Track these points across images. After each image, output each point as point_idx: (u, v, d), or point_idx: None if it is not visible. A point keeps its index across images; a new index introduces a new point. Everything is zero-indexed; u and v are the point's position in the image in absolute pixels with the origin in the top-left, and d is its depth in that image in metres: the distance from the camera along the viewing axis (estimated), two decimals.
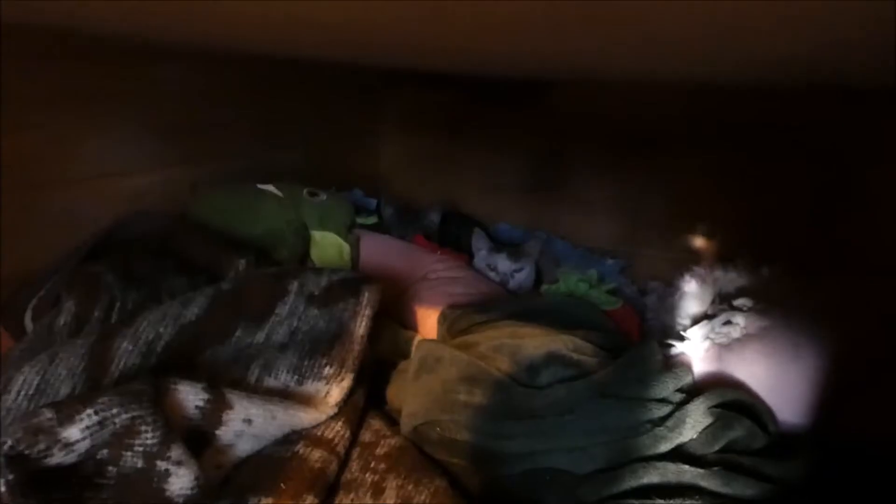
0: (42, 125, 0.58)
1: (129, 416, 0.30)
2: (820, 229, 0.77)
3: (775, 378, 0.57)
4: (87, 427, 0.29)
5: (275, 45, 0.51)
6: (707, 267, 0.82)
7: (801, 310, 0.65)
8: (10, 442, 0.27)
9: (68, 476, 0.30)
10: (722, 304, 0.70)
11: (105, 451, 0.30)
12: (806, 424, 0.54)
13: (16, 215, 0.57)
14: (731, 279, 0.80)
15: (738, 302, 0.67)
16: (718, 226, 0.86)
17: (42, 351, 0.42)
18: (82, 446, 0.29)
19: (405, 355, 0.60)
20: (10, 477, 0.26)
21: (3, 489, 0.26)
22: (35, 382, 0.35)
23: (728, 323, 0.63)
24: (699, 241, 0.87)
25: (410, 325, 0.67)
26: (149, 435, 0.31)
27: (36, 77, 0.57)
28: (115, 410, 0.30)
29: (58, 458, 0.29)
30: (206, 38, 0.52)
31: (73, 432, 0.29)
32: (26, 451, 0.27)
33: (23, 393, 0.34)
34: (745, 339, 0.61)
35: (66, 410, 0.29)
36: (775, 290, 0.72)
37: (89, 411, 0.30)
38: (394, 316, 0.66)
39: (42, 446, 0.28)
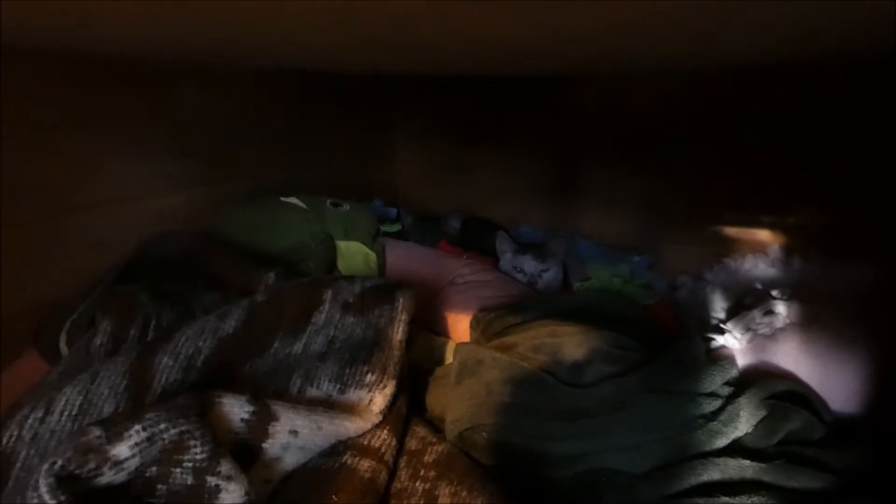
0: (66, 151, 0.59)
1: (176, 430, 0.30)
2: (855, 212, 0.74)
3: (823, 367, 0.55)
4: (136, 444, 0.28)
5: (284, 52, 0.51)
6: (737, 258, 0.80)
7: (842, 296, 0.63)
8: (60, 462, 0.26)
9: (118, 497, 0.29)
10: (760, 294, 0.68)
11: (154, 469, 0.30)
12: (856, 414, 0.52)
13: (44, 241, 0.57)
14: (763, 269, 0.78)
15: (776, 291, 0.65)
16: (745, 216, 0.84)
17: (79, 372, 0.42)
18: (132, 464, 0.28)
19: (439, 362, 0.59)
20: (63, 499, 0.25)
21: None
22: (78, 402, 0.34)
23: (770, 312, 0.62)
24: (726, 233, 0.86)
25: (441, 332, 0.66)
26: (197, 450, 0.30)
27: (59, 103, 0.57)
28: (162, 426, 0.29)
29: (108, 477, 0.28)
30: (218, 51, 0.52)
31: (122, 450, 0.28)
32: (77, 472, 0.27)
33: (66, 413, 0.34)
34: (789, 328, 0.59)
35: (115, 427, 0.28)
36: (812, 278, 0.70)
37: (137, 427, 0.29)
38: (423, 322, 0.65)
39: (92, 465, 0.27)
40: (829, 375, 0.54)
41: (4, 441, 0.32)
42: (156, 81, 0.66)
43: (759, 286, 0.70)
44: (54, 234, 0.58)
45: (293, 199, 0.69)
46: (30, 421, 0.33)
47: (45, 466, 0.25)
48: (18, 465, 0.32)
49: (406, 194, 1.09)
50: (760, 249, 0.80)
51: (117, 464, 0.28)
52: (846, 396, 0.53)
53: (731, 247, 0.84)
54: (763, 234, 0.82)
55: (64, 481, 0.26)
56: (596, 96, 0.91)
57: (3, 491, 0.31)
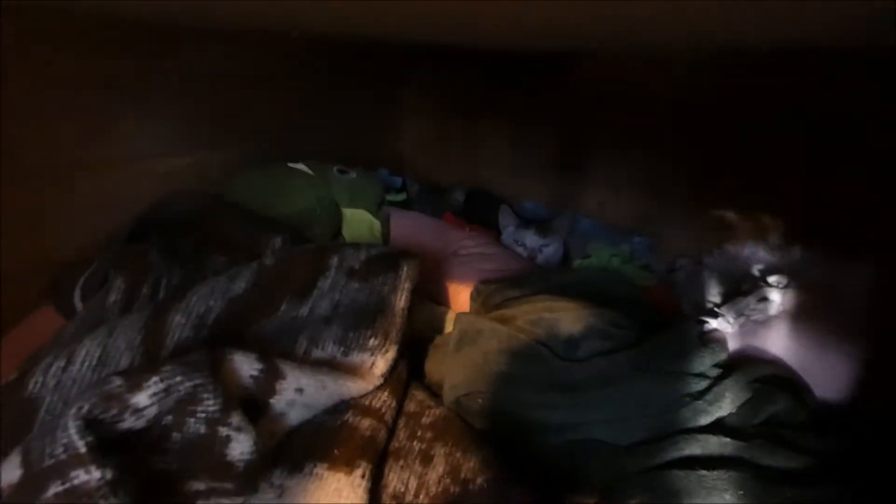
0: (79, 110, 0.59)
1: (191, 383, 0.31)
2: (857, 203, 0.75)
3: (812, 355, 0.57)
4: (154, 394, 0.30)
5: (296, 19, 0.51)
6: (737, 244, 0.81)
7: (836, 286, 0.64)
8: (87, 406, 0.28)
9: (136, 441, 0.31)
10: (756, 281, 0.70)
11: (170, 418, 0.32)
12: (842, 400, 0.54)
13: (57, 199, 0.58)
14: (762, 256, 0.79)
15: (773, 279, 0.67)
16: (747, 202, 0.85)
17: (95, 326, 0.44)
18: (150, 412, 0.30)
19: (439, 330, 0.61)
20: (90, 439, 0.27)
21: (83, 450, 0.27)
22: (97, 354, 0.36)
23: (764, 300, 0.63)
24: (727, 218, 0.86)
25: (442, 301, 0.67)
26: (210, 402, 0.32)
27: (71, 64, 0.57)
28: (178, 378, 0.31)
29: (129, 422, 0.30)
30: (231, 16, 0.52)
31: (141, 398, 0.30)
32: (101, 416, 0.29)
33: (86, 364, 0.36)
34: (781, 315, 0.61)
35: (135, 378, 0.30)
36: (808, 267, 0.71)
37: (155, 379, 0.31)
38: (425, 292, 0.67)
39: (115, 411, 0.29)
40: (815, 362, 0.56)
41: (30, 387, 0.34)
42: (166, 42, 0.66)
43: (756, 273, 0.72)
44: (68, 191, 0.59)
45: (300, 165, 0.70)
46: (53, 369, 0.35)
47: (73, 410, 0.27)
48: (43, 409, 0.34)
49: (412, 164, 1.09)
50: (761, 236, 0.81)
51: (137, 411, 0.30)
52: (832, 383, 0.55)
53: (731, 232, 0.85)
54: (764, 221, 0.83)
55: (89, 424, 0.28)
56: (604, 76, 0.90)
57: (32, 431, 0.33)
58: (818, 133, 0.74)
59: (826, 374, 0.55)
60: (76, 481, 0.27)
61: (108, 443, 0.29)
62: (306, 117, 0.89)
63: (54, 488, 0.27)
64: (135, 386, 0.30)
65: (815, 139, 0.75)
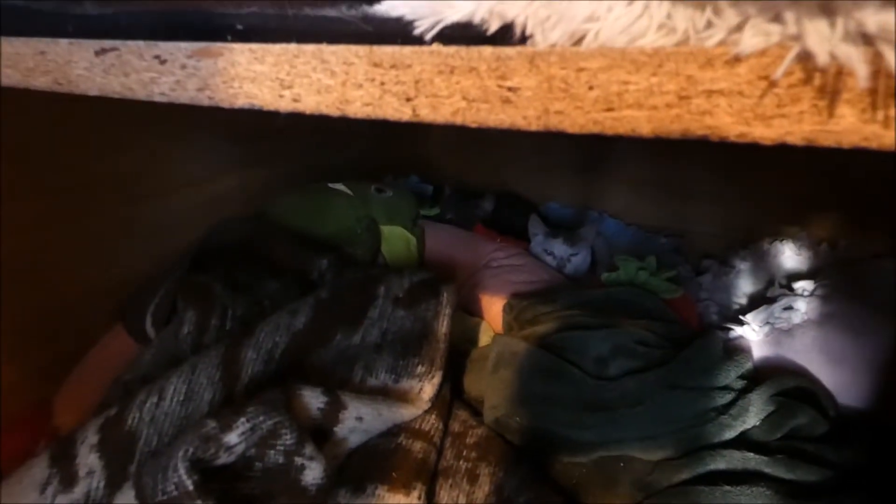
0: (134, 143, 0.64)
1: (272, 421, 0.36)
2: (883, 207, 0.75)
3: (835, 363, 0.58)
4: (243, 433, 0.35)
5: None
6: (763, 245, 0.82)
7: (861, 292, 0.65)
8: (191, 449, 0.33)
9: (225, 471, 0.36)
10: (781, 286, 0.71)
11: (253, 451, 0.36)
12: (865, 409, 0.55)
13: (120, 227, 0.63)
14: (789, 257, 0.80)
15: (798, 286, 0.68)
16: (774, 202, 0.86)
17: (171, 356, 0.49)
18: (239, 448, 0.35)
19: (473, 341, 0.64)
20: (195, 478, 0.32)
21: (191, 488, 0.32)
22: (183, 390, 0.41)
23: (789, 308, 0.65)
24: (754, 219, 0.87)
25: (475, 312, 0.71)
26: (287, 436, 0.37)
27: (118, 101, 0.61)
28: (261, 418, 0.36)
29: (222, 459, 0.35)
30: None
31: (232, 437, 0.35)
32: (201, 456, 0.33)
33: (175, 399, 0.41)
34: (805, 324, 0.63)
35: (225, 420, 0.35)
36: (834, 271, 0.72)
37: (243, 420, 0.35)
38: (458, 303, 0.70)
39: (212, 451, 0.34)
40: (842, 371, 0.58)
41: (129, 422, 0.39)
42: None
43: (782, 279, 0.73)
44: (130, 220, 0.64)
45: (340, 186, 0.74)
46: (147, 405, 0.40)
47: (181, 453, 0.32)
48: (142, 441, 0.39)
49: (441, 167, 1.12)
50: (788, 237, 0.82)
51: (229, 448, 0.35)
52: (855, 393, 0.56)
53: (758, 232, 0.86)
54: (791, 222, 0.84)
55: (193, 464, 0.33)
56: None
57: (133, 462, 0.38)
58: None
59: (849, 382, 0.57)
60: None
61: (206, 476, 0.34)
62: (337, 132, 0.92)
63: None
64: (227, 427, 0.35)
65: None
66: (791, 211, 0.85)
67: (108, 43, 0.20)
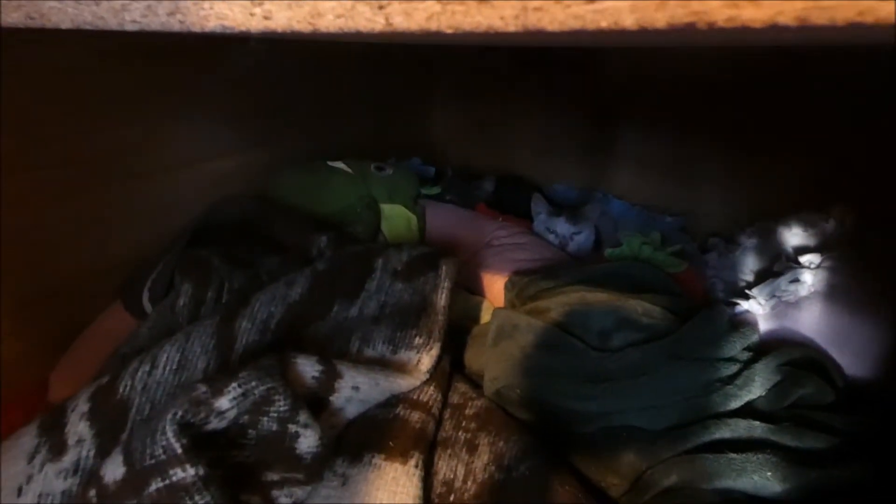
0: (137, 119, 0.63)
1: (265, 387, 0.36)
2: (889, 178, 0.74)
3: (843, 334, 0.57)
4: (234, 398, 0.35)
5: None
6: (769, 222, 0.81)
7: (868, 264, 0.64)
8: (180, 412, 0.32)
9: (218, 438, 0.36)
10: (788, 260, 0.70)
11: (246, 417, 0.36)
12: (874, 379, 0.54)
13: (120, 204, 0.63)
14: (796, 234, 0.79)
15: (804, 259, 0.67)
16: (779, 179, 0.84)
17: (167, 328, 0.49)
18: (231, 414, 0.35)
19: (475, 319, 0.64)
20: (184, 441, 0.31)
21: (180, 451, 0.31)
22: (177, 359, 0.41)
23: (795, 281, 0.63)
24: (760, 196, 0.86)
25: (477, 290, 0.70)
26: (281, 403, 0.36)
27: (123, 75, 0.61)
28: (253, 383, 0.35)
29: (213, 424, 0.34)
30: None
31: (223, 402, 0.34)
32: (191, 420, 0.33)
33: (168, 368, 0.40)
34: (812, 296, 0.61)
35: (217, 384, 0.34)
36: (841, 246, 0.71)
37: (234, 385, 0.35)
38: (460, 282, 0.70)
39: (202, 415, 0.33)
40: (849, 341, 0.57)
41: (121, 391, 0.39)
42: (217, 49, 0.69)
43: (789, 252, 0.72)
44: (130, 197, 0.64)
45: (340, 164, 0.73)
46: (139, 374, 0.40)
47: (169, 416, 0.32)
48: (133, 410, 0.39)
49: (444, 151, 1.11)
50: (795, 212, 0.81)
51: (220, 413, 0.34)
52: (864, 364, 0.55)
53: (765, 209, 0.84)
54: (798, 200, 0.82)
55: (182, 428, 0.32)
56: (633, 56, 0.89)
57: (124, 431, 0.38)
58: (851, 106, 0.73)
59: (857, 353, 0.56)
60: (174, 478, 0.31)
61: (197, 442, 0.33)
62: (340, 113, 0.92)
63: (155, 484, 0.32)
64: (217, 392, 0.34)
65: (847, 112, 0.74)
66: (798, 190, 0.83)
67: None
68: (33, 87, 0.53)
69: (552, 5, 0.14)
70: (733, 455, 0.43)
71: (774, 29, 0.12)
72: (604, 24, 0.13)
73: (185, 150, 0.69)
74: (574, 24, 0.14)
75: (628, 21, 0.13)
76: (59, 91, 0.55)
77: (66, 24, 0.20)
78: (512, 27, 0.14)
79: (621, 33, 0.14)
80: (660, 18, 0.13)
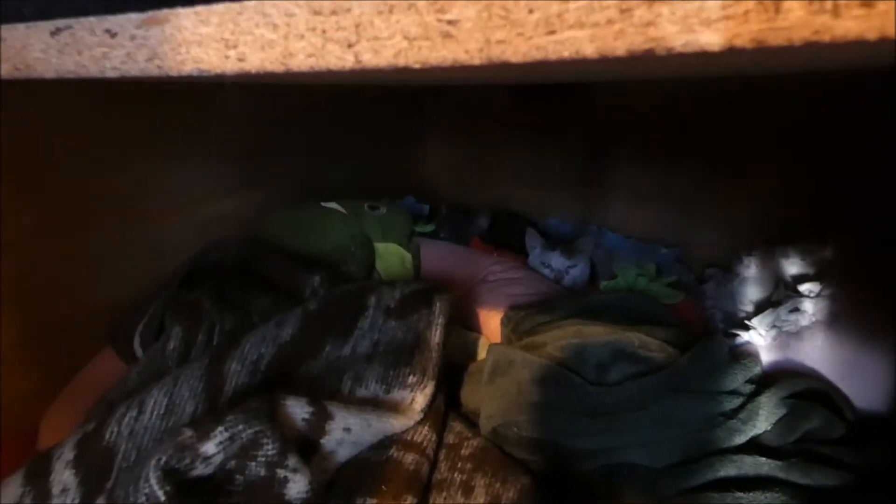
0: (128, 164, 0.64)
1: (252, 430, 0.35)
2: (888, 206, 0.74)
3: (847, 365, 0.56)
4: (220, 442, 0.34)
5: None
6: (767, 251, 0.81)
7: (870, 293, 0.63)
8: (164, 458, 0.31)
9: (204, 485, 0.34)
10: (787, 289, 0.69)
11: (233, 462, 0.35)
12: (883, 410, 0.53)
13: (115, 247, 0.63)
14: (794, 262, 0.79)
15: (804, 287, 0.66)
16: (775, 206, 0.84)
17: (157, 373, 0.48)
18: (217, 459, 0.34)
19: (472, 357, 0.63)
20: (168, 489, 0.30)
21: (163, 499, 0.30)
22: (164, 403, 0.40)
23: (795, 310, 0.63)
24: (757, 225, 0.86)
25: (473, 327, 0.70)
26: (269, 447, 0.35)
27: (115, 121, 0.62)
28: (240, 427, 0.34)
29: (199, 469, 0.33)
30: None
31: (209, 447, 0.33)
32: (176, 465, 0.32)
33: (155, 413, 0.39)
34: (814, 326, 0.61)
35: (202, 429, 0.34)
36: (842, 273, 0.70)
37: (221, 429, 0.34)
38: (456, 319, 0.69)
39: (187, 460, 0.32)
40: (855, 372, 0.56)
41: (107, 437, 0.38)
42: (208, 94, 0.70)
43: (788, 281, 0.72)
44: (122, 241, 0.64)
45: (333, 204, 0.74)
46: (126, 419, 0.39)
47: (153, 462, 0.31)
48: (120, 456, 0.38)
49: (438, 187, 1.12)
50: (792, 242, 0.80)
51: (206, 459, 0.33)
52: (871, 394, 0.54)
53: (761, 239, 0.84)
54: (795, 227, 0.82)
55: (166, 474, 0.31)
56: (624, 87, 0.91)
57: (109, 479, 0.37)
58: (846, 128, 0.74)
59: (864, 383, 0.55)
60: None
61: (182, 489, 0.32)
62: (333, 153, 0.93)
63: None
64: (203, 436, 0.33)
65: (843, 134, 0.74)
66: (794, 215, 0.84)
67: (61, 22, 0.20)
68: (30, 133, 0.54)
69: (515, 38, 0.14)
70: (740, 494, 0.41)
71: (733, 52, 0.12)
72: (566, 53, 0.13)
73: (179, 194, 0.69)
74: (536, 55, 0.14)
75: (588, 50, 0.13)
76: (55, 136, 0.56)
77: (50, 74, 0.20)
78: (477, 60, 0.15)
79: (583, 62, 0.14)
80: (619, 46, 0.13)
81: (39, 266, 0.57)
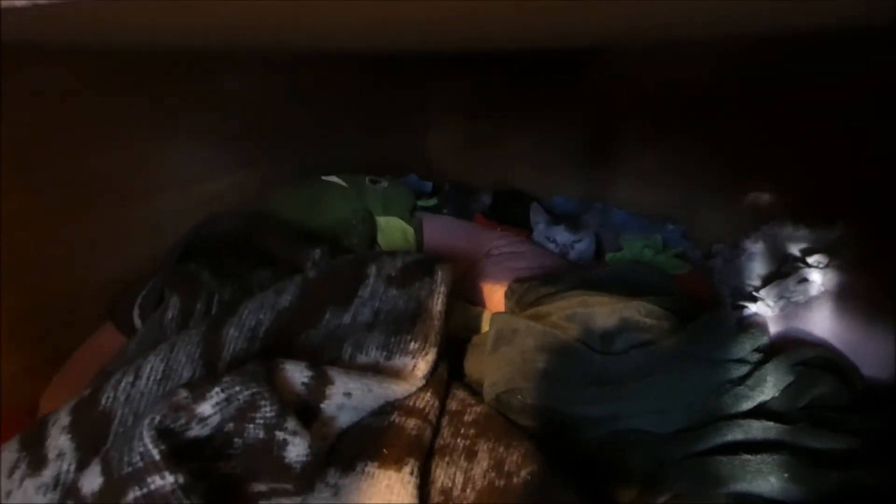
0: (126, 142, 0.63)
1: (249, 392, 0.34)
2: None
3: (856, 334, 0.56)
4: (217, 403, 0.33)
5: (319, 41, 0.53)
6: (774, 226, 0.79)
7: (877, 262, 0.62)
8: (158, 417, 0.31)
9: (203, 448, 0.34)
10: (795, 262, 0.68)
11: (231, 425, 0.34)
12: (890, 380, 0.52)
13: (113, 225, 0.63)
14: (802, 236, 0.78)
15: (812, 259, 0.65)
16: (782, 182, 0.83)
17: (155, 342, 0.47)
18: (214, 420, 0.33)
19: (475, 330, 0.62)
20: (163, 447, 0.30)
21: (158, 458, 0.29)
22: (161, 368, 0.39)
23: (804, 281, 0.62)
24: (764, 200, 0.84)
25: (477, 301, 0.69)
26: (267, 409, 0.34)
27: (113, 98, 0.61)
28: (237, 388, 0.34)
29: (195, 430, 0.32)
30: (255, 43, 0.55)
31: (205, 408, 0.33)
32: (171, 426, 0.31)
33: (152, 378, 0.39)
34: (823, 296, 0.60)
35: (199, 389, 0.33)
36: (849, 246, 0.69)
37: (217, 389, 0.33)
38: (460, 293, 0.68)
39: (182, 421, 0.32)
40: (861, 341, 0.55)
41: (103, 402, 0.37)
42: (205, 68, 0.69)
43: (795, 253, 0.70)
44: (121, 219, 0.63)
45: (334, 178, 0.73)
46: (122, 385, 0.38)
47: (147, 421, 0.30)
48: (116, 421, 0.37)
49: (441, 167, 1.11)
50: (799, 216, 0.79)
51: (202, 420, 0.33)
52: (879, 361, 0.53)
53: (768, 214, 0.83)
54: (802, 201, 0.81)
55: (161, 434, 0.31)
56: (628, 65, 0.89)
57: (106, 443, 0.36)
58: (855, 110, 0.72)
59: (872, 352, 0.54)
60: (153, 486, 0.30)
61: (178, 450, 0.32)
62: (335, 131, 0.92)
63: (133, 493, 0.30)
64: (199, 396, 0.33)
65: (851, 116, 0.73)
66: (801, 195, 0.82)
67: None
68: (27, 112, 0.53)
69: None
70: (748, 456, 0.40)
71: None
72: None
73: (177, 172, 0.69)
74: None
75: None
76: (52, 115, 0.55)
77: None
78: None
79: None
80: None
81: (38, 244, 0.56)
